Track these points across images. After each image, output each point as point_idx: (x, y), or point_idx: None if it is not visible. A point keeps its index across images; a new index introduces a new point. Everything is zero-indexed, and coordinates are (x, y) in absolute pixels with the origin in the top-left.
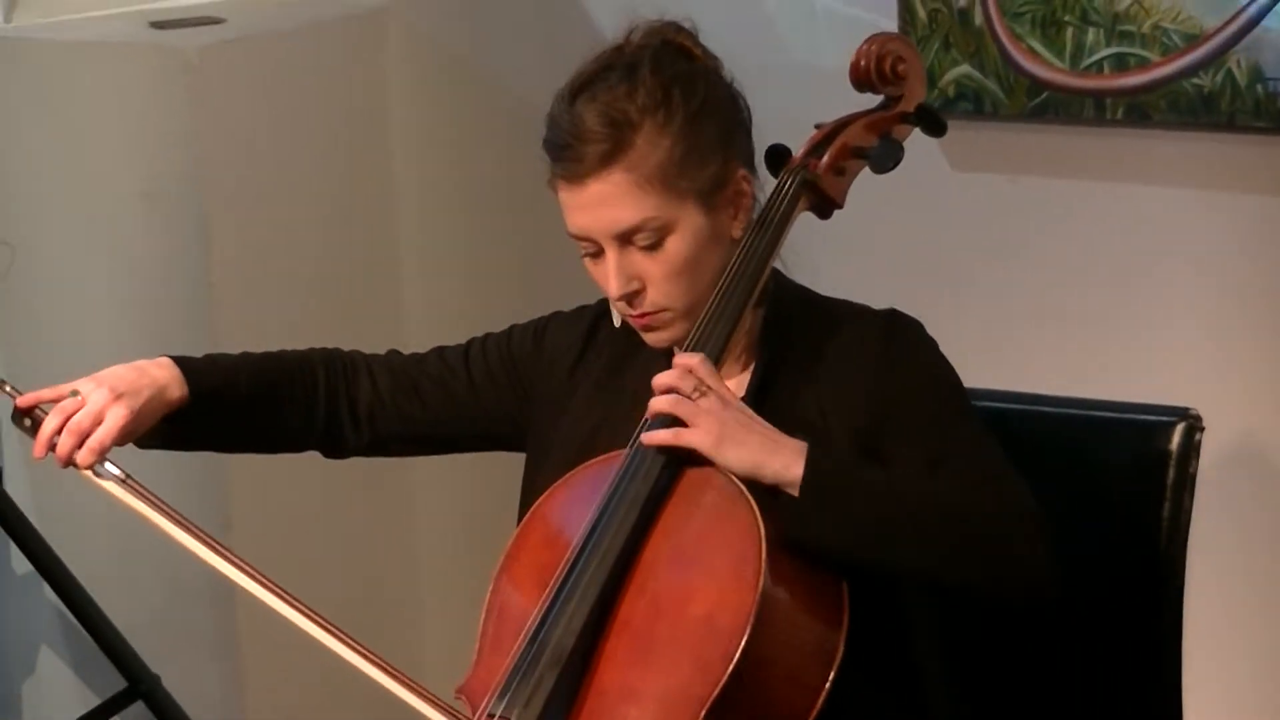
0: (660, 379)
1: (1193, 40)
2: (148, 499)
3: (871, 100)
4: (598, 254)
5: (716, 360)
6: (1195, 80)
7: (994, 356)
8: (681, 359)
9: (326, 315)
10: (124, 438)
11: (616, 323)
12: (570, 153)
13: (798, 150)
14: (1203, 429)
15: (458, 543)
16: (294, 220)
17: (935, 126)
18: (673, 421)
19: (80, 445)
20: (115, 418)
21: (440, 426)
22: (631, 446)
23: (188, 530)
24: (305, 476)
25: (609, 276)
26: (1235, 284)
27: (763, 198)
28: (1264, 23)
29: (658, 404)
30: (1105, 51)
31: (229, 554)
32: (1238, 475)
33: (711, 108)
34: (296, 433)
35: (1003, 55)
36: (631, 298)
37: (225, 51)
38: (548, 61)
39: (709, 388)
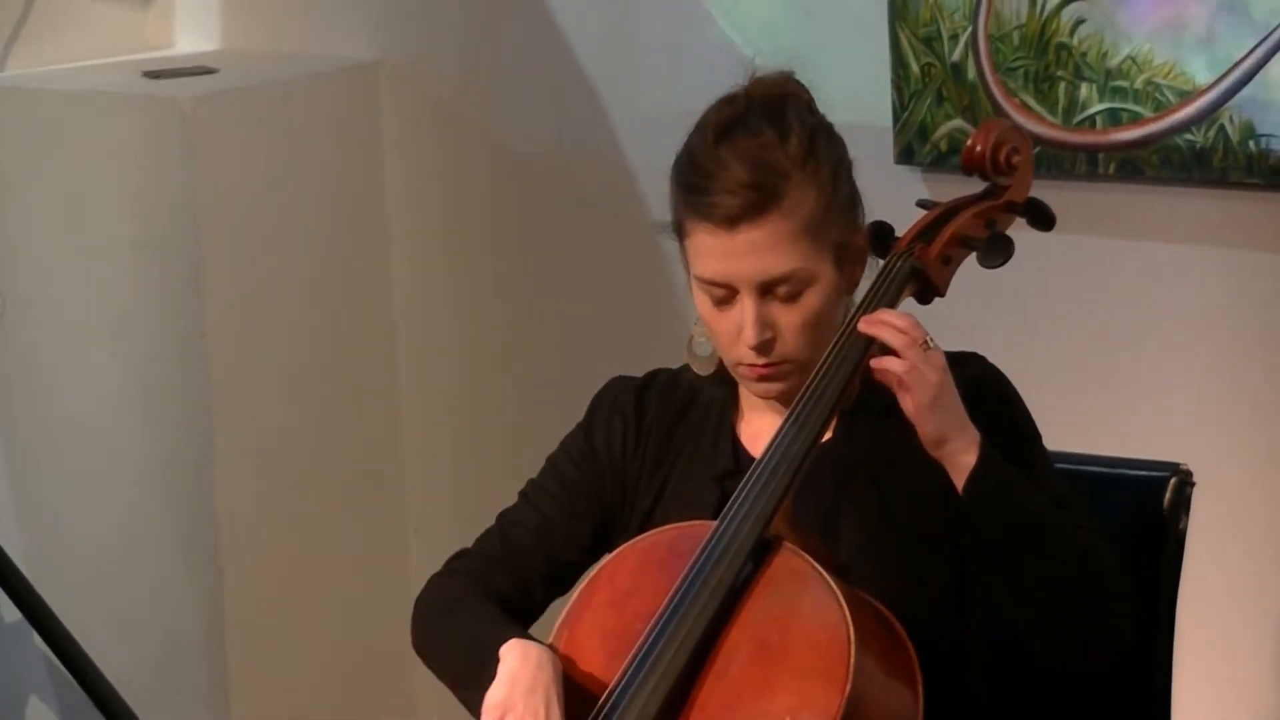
0: (897, 318)
1: (1186, 96)
2: None
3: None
4: (727, 300)
5: (819, 432)
6: (1188, 136)
7: None
8: (901, 316)
9: (321, 364)
10: None
11: (701, 369)
12: (720, 198)
13: (901, 230)
14: (1193, 484)
15: None
16: (288, 270)
17: (1044, 221)
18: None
19: None
20: None
21: (555, 573)
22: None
23: None
24: (297, 510)
25: (746, 325)
26: (1227, 339)
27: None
28: (1257, 79)
29: (891, 337)
30: (1098, 107)
31: None
32: (1228, 531)
33: (846, 162)
34: None
35: (995, 109)
36: (763, 347)
37: (219, 102)
38: (542, 113)
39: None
